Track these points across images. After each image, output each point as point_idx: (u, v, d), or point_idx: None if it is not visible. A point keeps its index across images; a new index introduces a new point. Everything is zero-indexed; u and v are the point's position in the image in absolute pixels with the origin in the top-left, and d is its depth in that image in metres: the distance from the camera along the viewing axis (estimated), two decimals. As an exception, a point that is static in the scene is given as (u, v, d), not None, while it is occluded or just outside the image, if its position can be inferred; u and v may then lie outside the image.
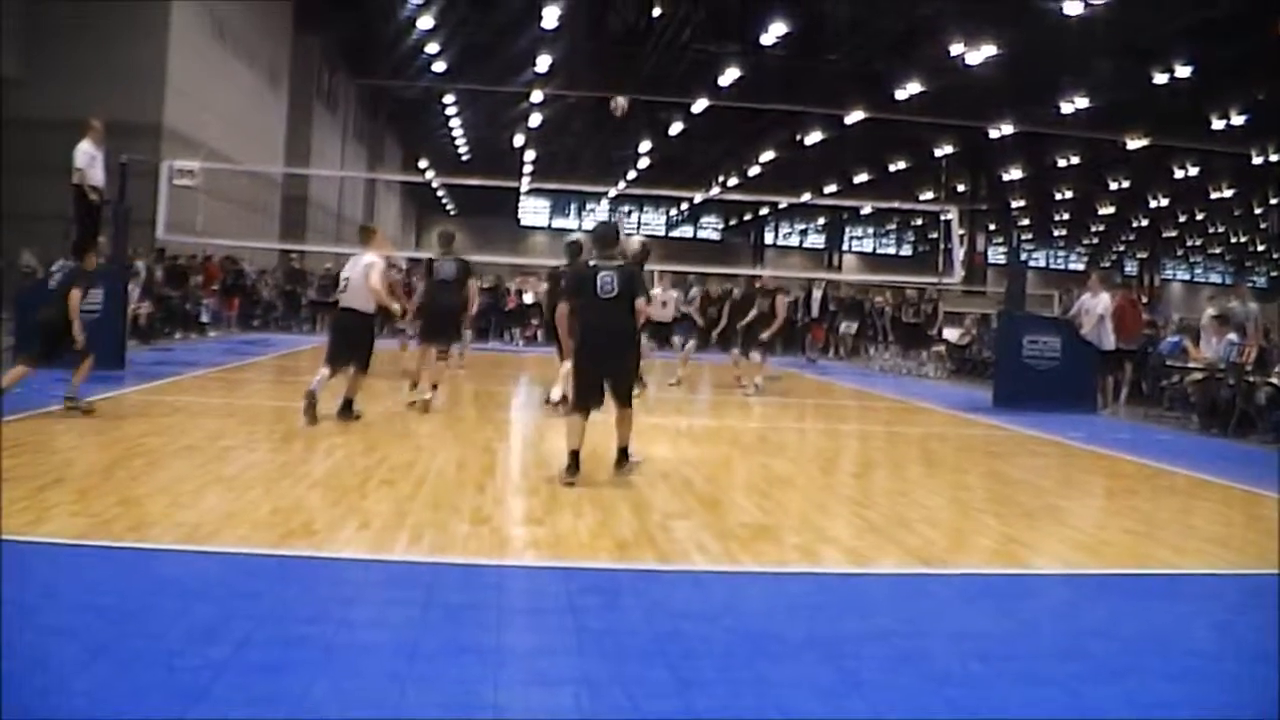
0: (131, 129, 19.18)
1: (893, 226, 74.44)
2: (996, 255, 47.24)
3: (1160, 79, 30.74)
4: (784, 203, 56.83)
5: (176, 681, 3.48)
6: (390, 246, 12.30)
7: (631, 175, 51.87)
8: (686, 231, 73.29)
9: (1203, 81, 30.81)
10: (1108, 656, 4.35)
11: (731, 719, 3.54)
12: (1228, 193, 48.96)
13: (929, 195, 50.19)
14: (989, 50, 28.81)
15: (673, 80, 36.27)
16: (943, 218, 22.82)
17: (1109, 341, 15.15)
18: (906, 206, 52.78)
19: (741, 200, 64.77)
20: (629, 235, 11.48)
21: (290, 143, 33.98)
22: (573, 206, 71.32)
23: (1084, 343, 15.03)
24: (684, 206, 69.03)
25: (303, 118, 35.27)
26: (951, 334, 24.05)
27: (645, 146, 47.73)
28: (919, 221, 67.35)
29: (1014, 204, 51.99)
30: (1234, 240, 66.30)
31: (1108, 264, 69.76)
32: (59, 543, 5.12)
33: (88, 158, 13.14)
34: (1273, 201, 49.75)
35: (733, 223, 72.89)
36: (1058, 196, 56.43)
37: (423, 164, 57.90)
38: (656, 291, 16.56)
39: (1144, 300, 37.00)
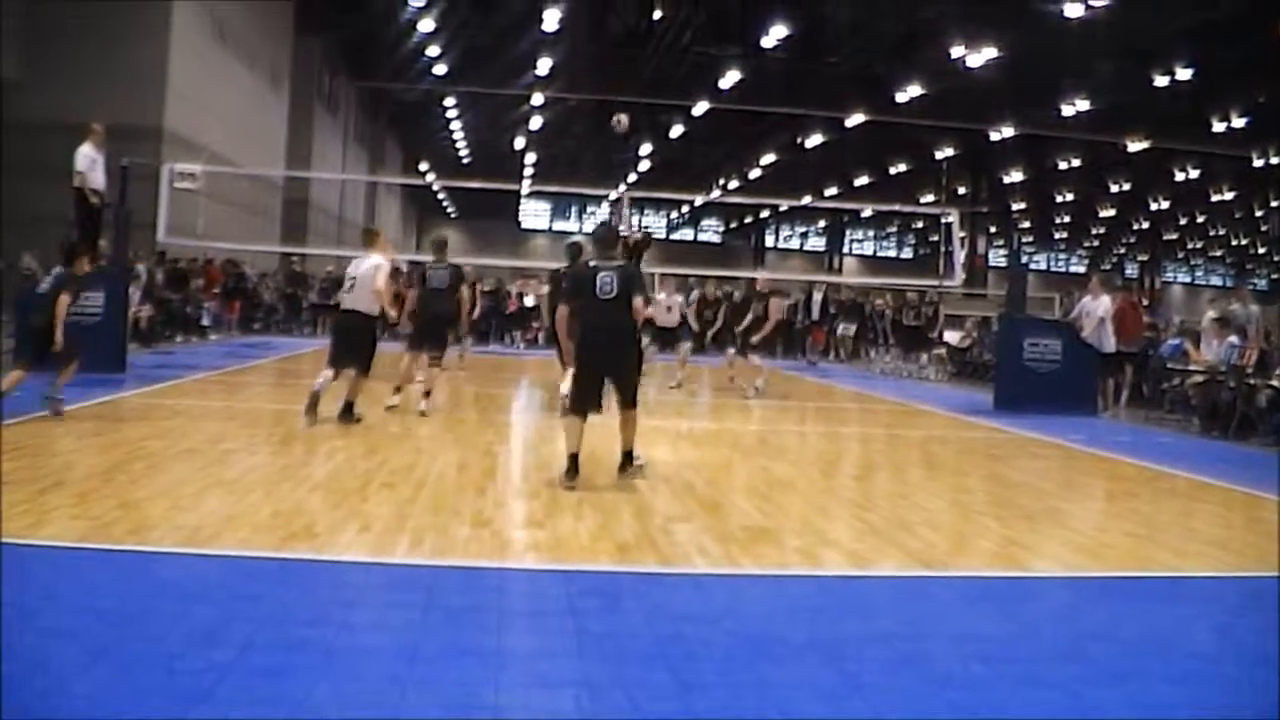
0: (132, 132, 19.20)
1: (893, 229, 74.43)
2: (997, 258, 47.14)
3: (1161, 81, 30.75)
4: (785, 205, 56.90)
5: (177, 684, 3.48)
6: (393, 249, 12.28)
7: (632, 178, 51.91)
8: (687, 234, 73.27)
9: (1203, 84, 30.81)
10: (1109, 659, 4.34)
11: (732, 722, 3.54)
12: (1228, 195, 48.98)
13: (930, 198, 50.19)
14: (989, 53, 28.83)
15: (673, 83, 36.30)
16: (943, 220, 22.86)
17: (1110, 344, 15.15)
18: (907, 209, 52.78)
19: (742, 203, 65.01)
20: (631, 228, 11.50)
21: (291, 145, 33.99)
22: (573, 209, 71.31)
23: (1085, 345, 15.03)
24: (685, 209, 69.01)
25: (304, 120, 35.28)
26: (952, 337, 24.05)
27: (646, 149, 47.74)
28: (920, 224, 67.35)
29: (1014, 206, 51.98)
30: (1235, 243, 66.28)
31: (1108, 266, 69.79)
32: (59, 546, 5.12)
33: (88, 161, 13.16)
34: (1273, 204, 49.77)
35: (733, 225, 72.89)
36: (1058, 199, 56.45)
37: (423, 167, 57.93)
38: (660, 296, 16.60)
39: (1145, 303, 36.96)
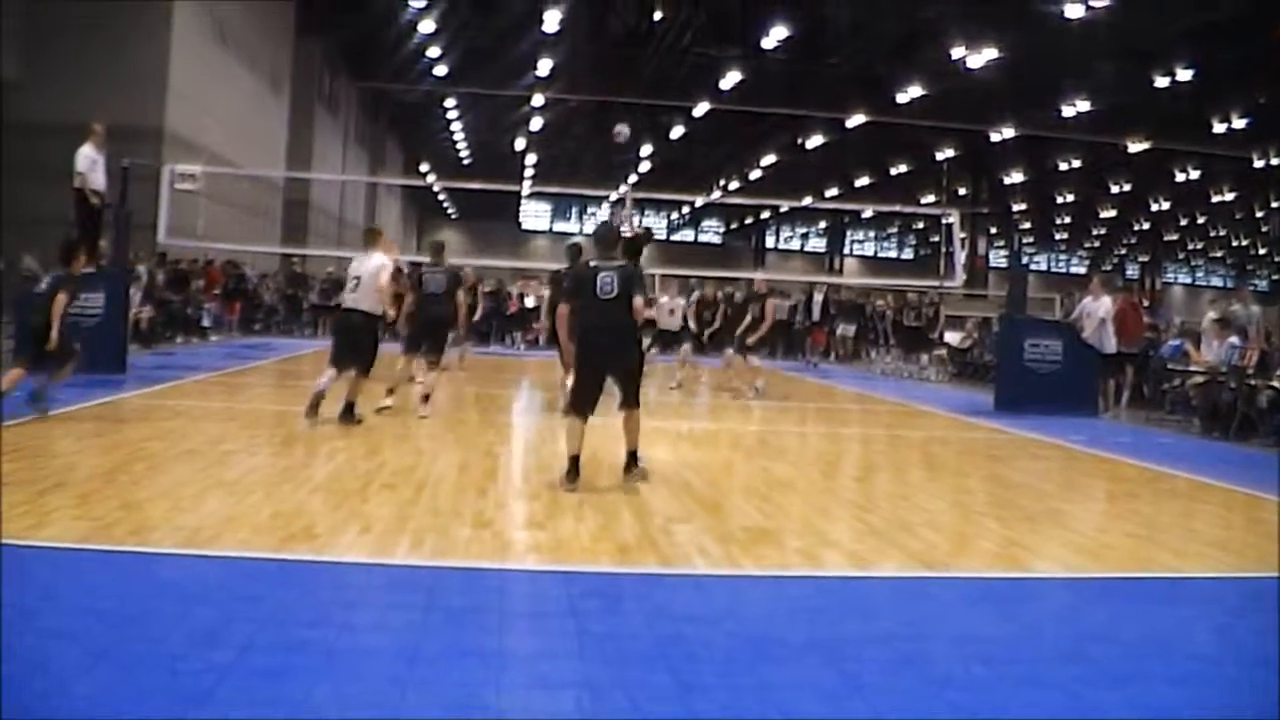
0: (133, 133, 19.21)
1: (894, 230, 74.41)
2: (998, 259, 47.09)
3: (1161, 82, 30.73)
4: (785, 206, 56.89)
5: (178, 685, 3.48)
6: (396, 250, 12.25)
7: (633, 179, 51.90)
8: (688, 235, 73.29)
9: (1204, 85, 30.79)
10: (1109, 660, 4.34)
11: (733, 723, 3.54)
12: (1229, 196, 48.97)
13: (930, 199, 50.17)
14: (990, 54, 28.81)
15: (674, 84, 36.30)
16: (944, 221, 22.86)
17: (1110, 345, 15.15)
18: (908, 210, 52.70)
19: (743, 204, 65.02)
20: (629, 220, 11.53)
21: (292, 146, 33.99)
22: (574, 210, 71.31)
23: (1085, 346, 15.03)
24: (685, 210, 69.02)
25: (304, 121, 35.28)
26: (953, 337, 24.06)
27: (647, 150, 47.75)
28: (920, 225, 67.30)
29: (1015, 207, 51.96)
30: (1235, 244, 66.27)
31: (1109, 267, 69.78)
32: (60, 547, 5.12)
33: (89, 162, 13.16)
34: (1274, 205, 49.75)
35: (734, 226, 72.89)
36: (1059, 200, 56.45)
37: (424, 168, 57.94)
38: (664, 300, 16.64)
39: (1145, 304, 36.97)
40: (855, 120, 36.72)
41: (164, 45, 23.42)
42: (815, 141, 42.59)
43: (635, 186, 49.61)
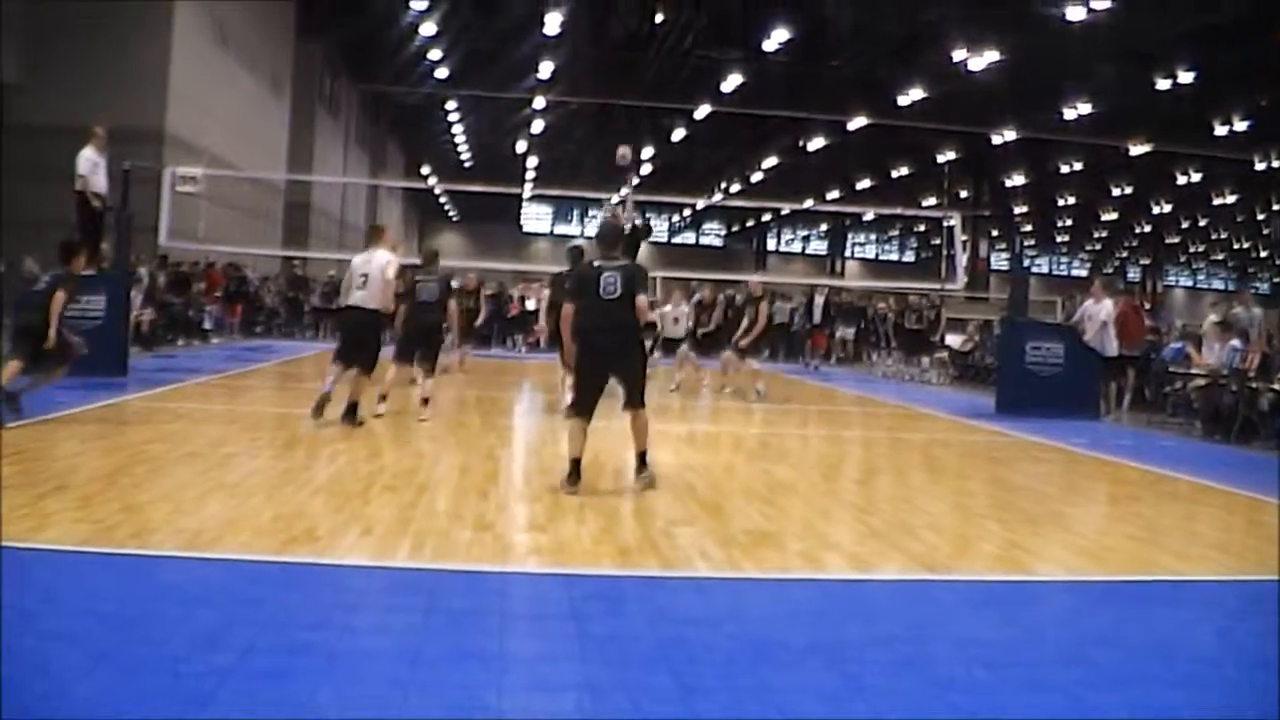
0: (134, 135, 19.23)
1: (895, 232, 74.42)
2: (999, 261, 47.19)
3: (1163, 85, 30.74)
4: (786, 209, 56.91)
5: (179, 688, 3.48)
6: (404, 249, 12.21)
7: (634, 181, 51.83)
8: (689, 238, 73.33)
9: (1205, 87, 30.81)
10: (1111, 663, 4.34)
11: (734, 725, 3.53)
12: (1230, 199, 48.96)
13: (932, 201, 50.19)
14: (991, 56, 28.84)
15: (675, 86, 36.32)
16: (945, 224, 22.83)
17: (1112, 348, 15.14)
18: (909, 212, 52.68)
19: (744, 206, 65.05)
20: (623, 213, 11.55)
21: (292, 149, 34.01)
22: (575, 213, 71.33)
23: (1087, 349, 15.03)
24: (686, 213, 69.02)
25: (305, 123, 35.30)
26: (954, 340, 24.07)
27: (648, 153, 47.76)
28: (922, 227, 67.32)
29: (1017, 210, 51.99)
30: (1237, 246, 66.26)
31: (1110, 270, 69.76)
32: (61, 549, 5.12)
33: (90, 164, 13.18)
34: (1275, 207, 49.76)
35: (735, 229, 72.94)
36: (1060, 202, 56.48)
37: (425, 170, 57.97)
38: (667, 309, 16.65)
39: (1147, 306, 37.03)
40: (857, 123, 36.76)
41: (164, 47, 23.45)
42: (816, 144, 42.61)
43: (637, 189, 49.66)
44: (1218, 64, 28.73)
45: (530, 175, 54.99)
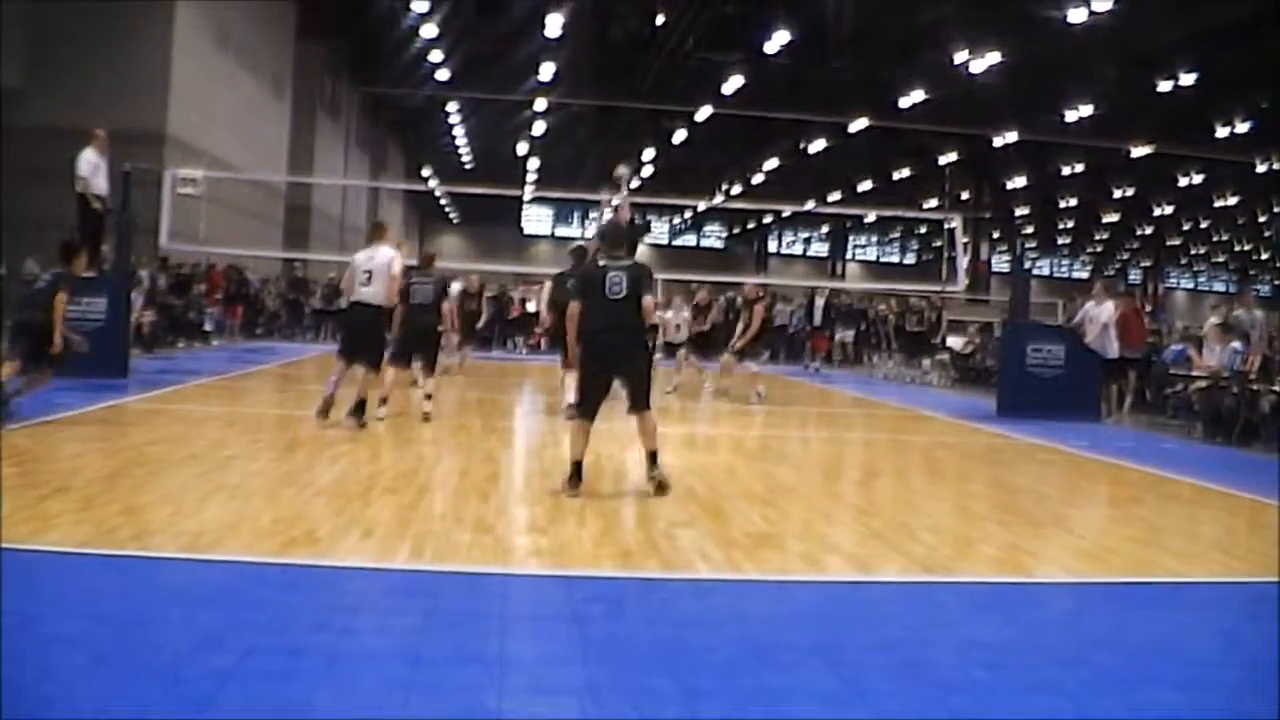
0: (135, 137, 19.24)
1: (896, 235, 74.40)
2: (1000, 263, 47.19)
3: (1164, 87, 30.74)
4: (787, 211, 56.94)
5: (180, 690, 3.48)
6: (408, 248, 12.17)
7: (635, 184, 51.88)
8: (690, 240, 73.35)
9: (1207, 89, 30.80)
10: (1113, 665, 4.34)
11: (735, 728, 3.53)
12: (1232, 201, 48.96)
13: (933, 203, 50.19)
14: (993, 58, 28.85)
15: (676, 88, 36.30)
16: (946, 226, 22.78)
17: (1113, 350, 15.13)
18: (910, 215, 52.73)
19: (745, 209, 65.06)
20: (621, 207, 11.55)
21: (293, 151, 34.02)
22: (576, 215, 71.32)
23: (1088, 351, 15.02)
24: (687, 215, 69.06)
25: (306, 126, 35.33)
26: (955, 342, 24.05)
27: (649, 155, 47.78)
28: (923, 230, 67.31)
29: (1018, 212, 51.94)
30: (1238, 248, 66.26)
31: (1112, 272, 69.76)
32: (62, 551, 5.12)
33: (91, 166, 13.20)
34: (1277, 210, 49.77)
35: (736, 231, 72.92)
36: (1062, 204, 56.45)
37: (426, 172, 57.98)
38: (669, 315, 16.66)
39: (1148, 308, 36.91)
40: (858, 125, 36.73)
41: (165, 50, 23.45)
42: (817, 146, 42.59)
43: (638, 191, 49.72)
44: (1219, 66, 28.73)
45: (531, 177, 55.02)
